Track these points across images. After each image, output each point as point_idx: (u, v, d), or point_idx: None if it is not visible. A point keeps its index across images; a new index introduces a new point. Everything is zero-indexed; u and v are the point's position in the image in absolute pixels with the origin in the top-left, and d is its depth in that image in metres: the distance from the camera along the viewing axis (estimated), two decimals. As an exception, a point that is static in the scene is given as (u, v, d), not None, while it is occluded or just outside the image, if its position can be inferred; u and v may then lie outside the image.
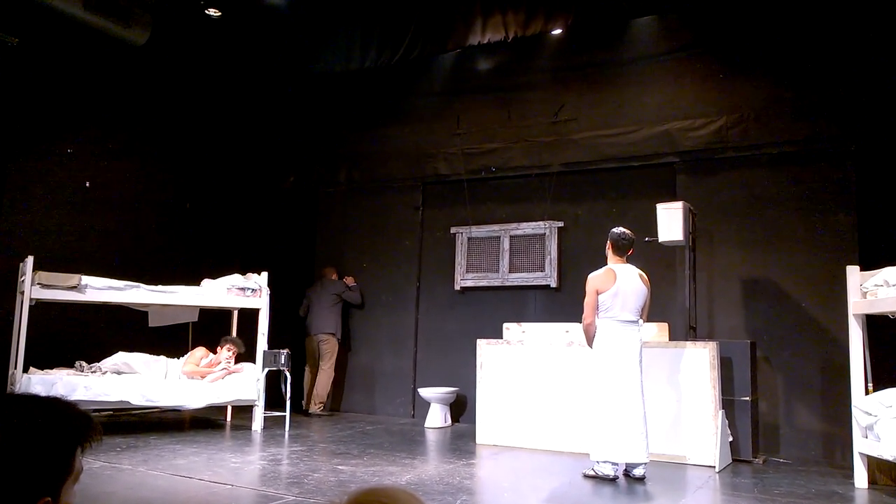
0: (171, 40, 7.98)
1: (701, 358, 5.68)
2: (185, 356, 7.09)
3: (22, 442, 1.12)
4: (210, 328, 7.65)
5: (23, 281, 6.19)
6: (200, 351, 7.09)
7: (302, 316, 8.60)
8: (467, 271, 8.19)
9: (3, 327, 6.39)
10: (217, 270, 7.25)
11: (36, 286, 6.09)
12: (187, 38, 8.15)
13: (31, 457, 1.12)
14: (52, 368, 6.44)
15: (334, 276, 8.65)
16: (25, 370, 6.10)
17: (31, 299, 6.07)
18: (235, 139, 9.14)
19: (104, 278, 6.44)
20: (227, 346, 7.07)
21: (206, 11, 7.65)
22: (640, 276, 5.19)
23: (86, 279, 6.31)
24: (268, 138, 9.46)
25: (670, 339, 6.08)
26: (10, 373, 6.11)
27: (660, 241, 6.10)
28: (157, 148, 8.38)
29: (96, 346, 6.92)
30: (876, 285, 4.92)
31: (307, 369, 8.52)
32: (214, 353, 7.08)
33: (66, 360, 6.62)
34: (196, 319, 7.65)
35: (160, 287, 6.70)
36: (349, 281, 8.65)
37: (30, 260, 6.14)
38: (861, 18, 6.30)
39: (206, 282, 7.09)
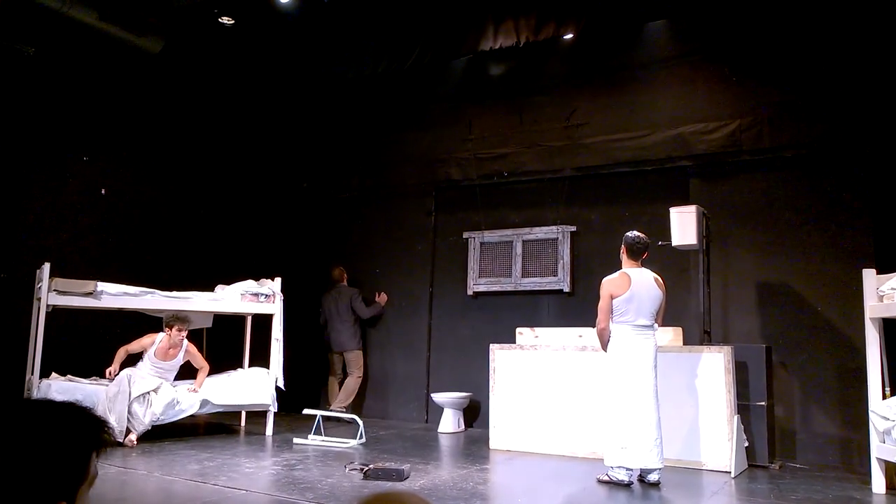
0: (185, 48, 8.07)
1: (716, 363, 5.64)
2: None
3: (38, 447, 1.13)
4: (224, 334, 7.69)
5: (39, 287, 6.26)
6: (148, 338, 6.58)
7: (322, 325, 8.55)
8: (480, 276, 8.18)
9: (19, 333, 6.45)
10: (231, 276, 7.29)
11: (52, 292, 6.13)
12: (201, 46, 8.23)
13: (47, 461, 1.13)
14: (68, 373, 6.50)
15: (344, 280, 8.57)
16: (46, 375, 6.15)
17: (47, 305, 6.13)
18: (249, 146, 9.20)
19: (119, 284, 6.49)
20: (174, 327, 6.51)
21: (220, 20, 7.72)
22: (656, 279, 5.15)
23: (101, 285, 6.35)
24: (281, 145, 9.52)
25: (685, 344, 6.04)
26: (27, 378, 6.17)
27: (673, 245, 6.08)
28: (171, 155, 8.45)
29: (111, 351, 6.97)
30: (892, 288, 4.87)
31: (331, 378, 8.50)
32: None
33: (79, 367, 6.67)
34: (210, 325, 7.68)
35: (175, 293, 6.76)
36: (381, 300, 8.51)
37: (46, 266, 6.20)
38: (876, 19, 6.24)
39: (220, 288, 7.13)
